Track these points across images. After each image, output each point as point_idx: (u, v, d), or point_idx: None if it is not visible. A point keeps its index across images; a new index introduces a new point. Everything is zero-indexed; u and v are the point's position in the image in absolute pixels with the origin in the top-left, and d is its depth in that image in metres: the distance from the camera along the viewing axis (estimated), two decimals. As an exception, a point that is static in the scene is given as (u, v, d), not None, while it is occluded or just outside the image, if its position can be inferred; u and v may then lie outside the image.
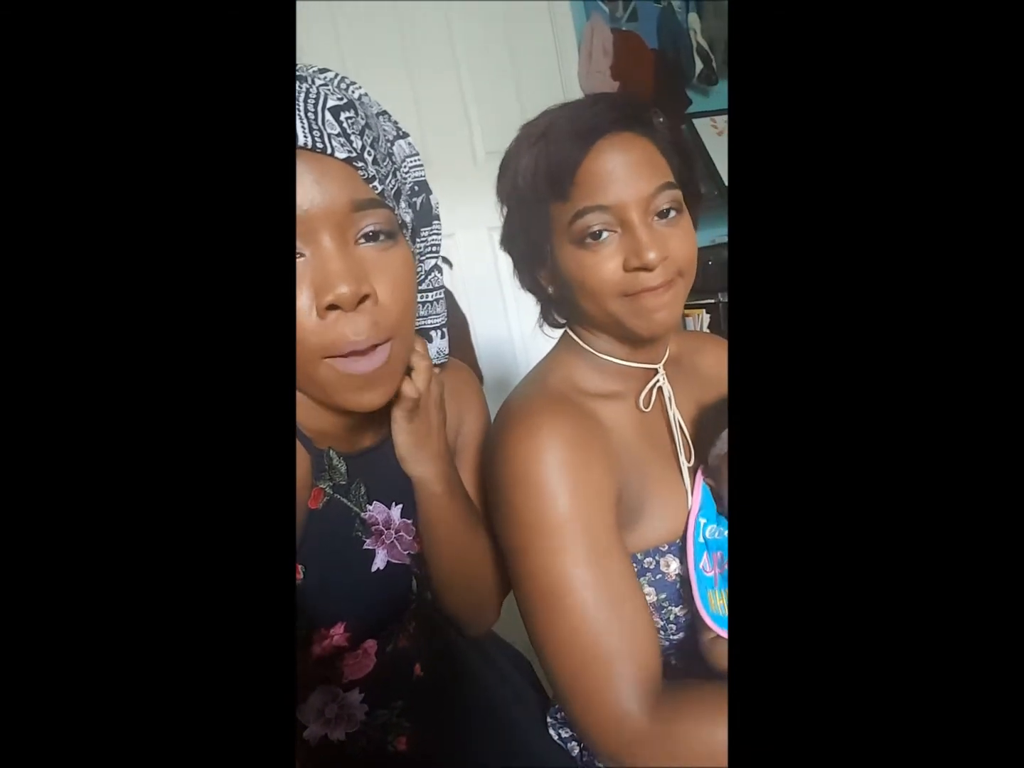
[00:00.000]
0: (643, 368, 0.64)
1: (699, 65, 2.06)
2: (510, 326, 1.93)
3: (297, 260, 0.44)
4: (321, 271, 0.44)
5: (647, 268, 0.55)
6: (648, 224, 0.55)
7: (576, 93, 1.94)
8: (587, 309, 0.60)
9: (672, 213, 0.57)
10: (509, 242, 0.65)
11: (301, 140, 0.43)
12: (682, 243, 0.57)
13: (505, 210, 0.63)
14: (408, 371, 0.55)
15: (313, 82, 0.46)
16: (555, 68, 1.93)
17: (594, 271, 0.56)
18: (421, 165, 0.57)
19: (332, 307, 0.44)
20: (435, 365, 0.61)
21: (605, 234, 0.56)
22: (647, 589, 0.60)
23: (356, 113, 0.47)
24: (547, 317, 0.70)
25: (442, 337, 0.62)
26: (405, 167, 0.55)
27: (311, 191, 0.44)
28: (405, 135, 0.56)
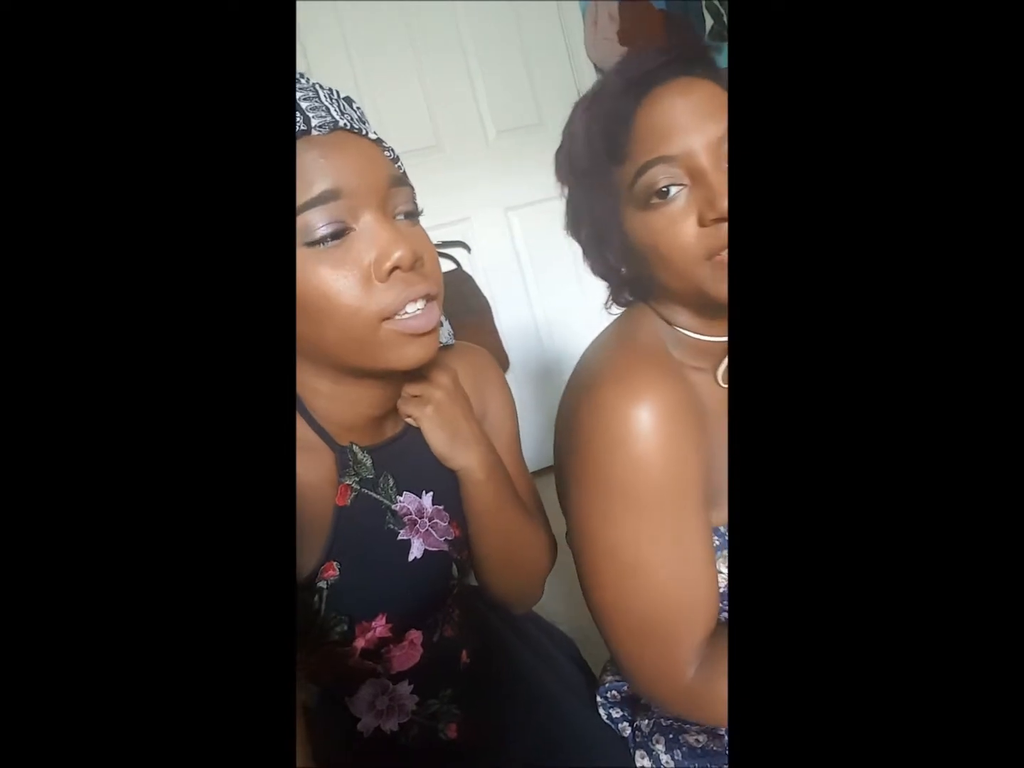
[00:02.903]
0: (722, 342, 0.58)
1: (709, 22, 1.99)
2: (532, 307, 1.92)
3: (346, 235, 0.46)
4: (377, 240, 0.46)
5: (725, 218, 0.47)
6: (722, 170, 0.48)
7: (585, 63, 1.90)
8: (666, 281, 0.54)
9: None
10: (575, 224, 0.60)
11: (341, 122, 0.47)
12: None
13: (566, 190, 0.58)
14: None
15: (309, 80, 0.49)
16: (561, 39, 1.89)
17: (667, 234, 0.50)
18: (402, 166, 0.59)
19: (393, 269, 0.46)
20: (445, 347, 0.63)
21: (673, 189, 0.49)
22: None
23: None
24: (617, 298, 0.64)
25: (447, 318, 0.64)
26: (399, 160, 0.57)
27: (357, 167, 0.46)
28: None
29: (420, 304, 0.48)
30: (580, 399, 0.54)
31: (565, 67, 1.89)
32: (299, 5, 1.58)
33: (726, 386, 0.58)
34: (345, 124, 0.47)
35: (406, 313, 0.47)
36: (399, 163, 0.52)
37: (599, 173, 0.53)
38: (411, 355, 0.49)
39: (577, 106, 0.56)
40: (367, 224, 0.46)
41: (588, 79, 1.90)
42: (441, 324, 0.63)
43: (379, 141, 0.50)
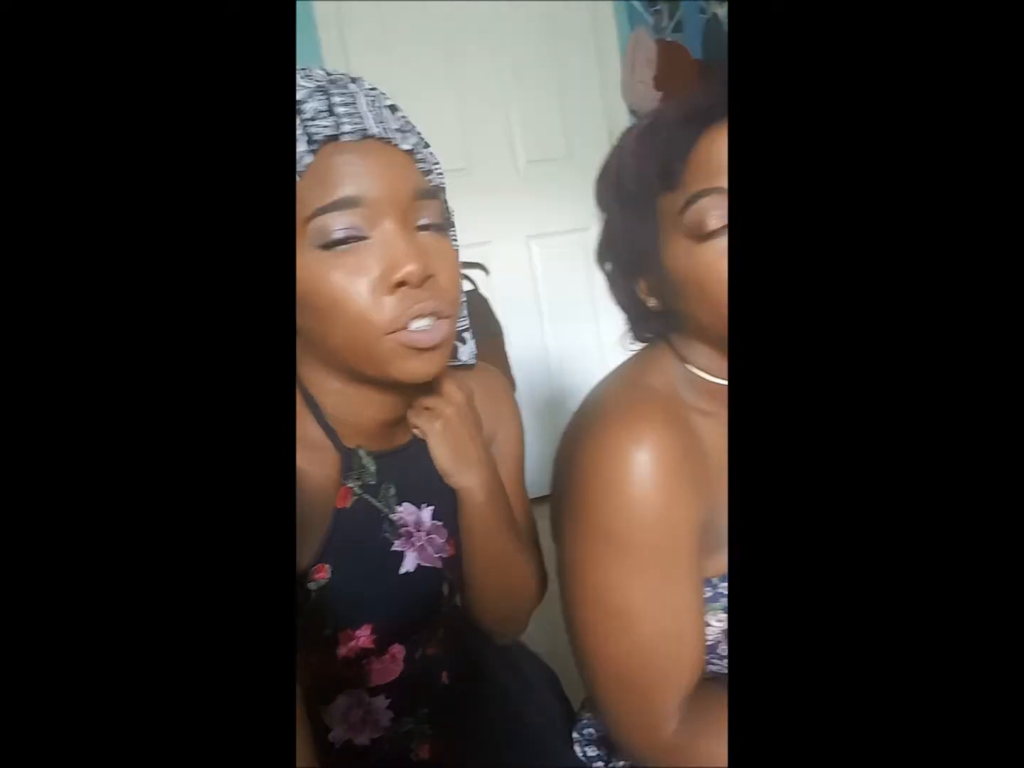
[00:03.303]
0: None
1: (744, 76, 2.03)
2: (545, 336, 1.92)
3: (361, 243, 0.46)
4: (390, 252, 0.46)
5: None
6: None
7: (618, 102, 1.94)
8: (699, 315, 0.53)
9: None
10: (607, 251, 0.59)
11: (373, 130, 0.47)
12: None
13: (605, 216, 0.58)
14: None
15: (361, 86, 0.50)
16: (597, 77, 1.93)
17: (713, 268, 0.49)
18: (443, 173, 0.59)
19: (400, 284, 0.46)
20: (464, 366, 0.63)
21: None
22: (719, 616, 0.57)
23: (404, 116, 0.51)
24: (637, 333, 0.63)
25: (473, 337, 0.63)
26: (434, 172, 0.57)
27: (383, 176, 0.47)
28: (428, 145, 0.58)
29: (426, 321, 0.48)
30: (582, 436, 0.54)
31: (598, 105, 1.93)
32: (351, 16, 1.62)
33: None
34: (377, 133, 0.47)
35: (412, 328, 0.47)
36: (433, 175, 0.52)
37: (646, 199, 0.53)
38: (415, 369, 0.49)
39: (629, 131, 0.56)
40: (384, 234, 0.47)
41: (620, 119, 1.94)
42: (464, 342, 0.63)
43: (413, 152, 0.50)
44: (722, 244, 0.49)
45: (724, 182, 0.48)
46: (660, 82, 1.87)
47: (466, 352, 0.63)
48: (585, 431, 0.54)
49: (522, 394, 1.89)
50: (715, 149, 0.49)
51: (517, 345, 1.86)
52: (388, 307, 0.46)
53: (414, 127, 0.52)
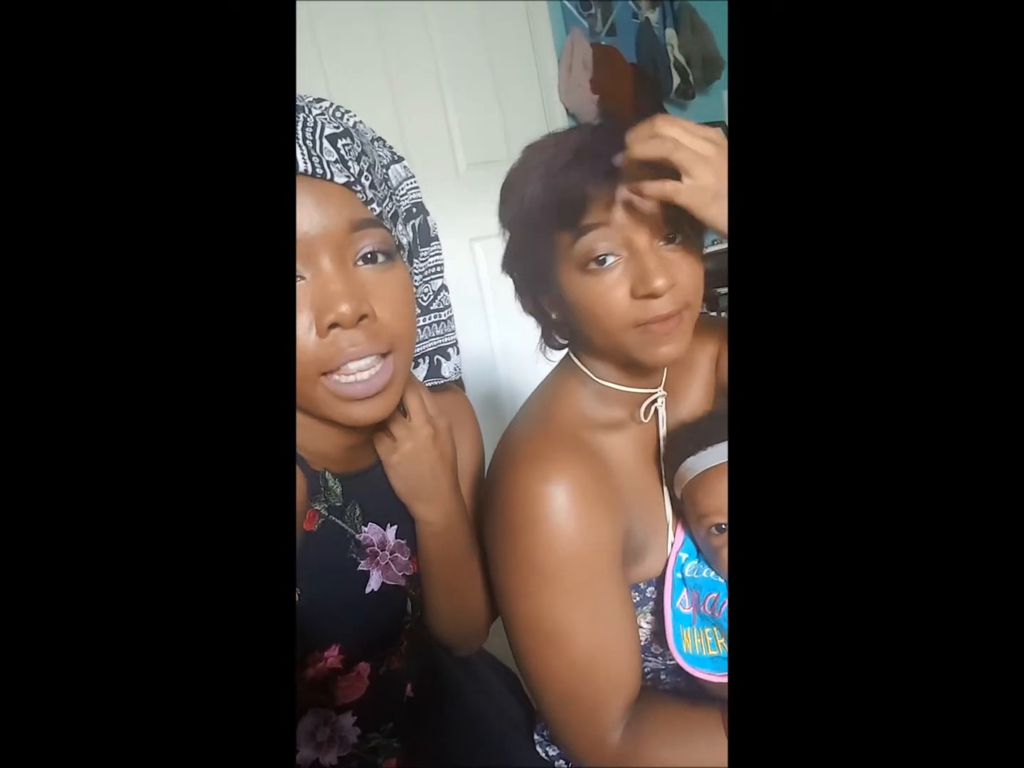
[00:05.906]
0: (643, 393, 0.62)
1: (676, 79, 2.09)
2: (491, 339, 1.94)
3: (297, 283, 0.45)
4: (322, 292, 0.45)
5: (655, 295, 0.52)
6: (655, 248, 0.53)
7: (556, 105, 1.96)
8: (593, 337, 0.57)
9: (679, 238, 0.53)
10: (512, 266, 0.62)
11: (301, 167, 0.45)
12: (689, 271, 0.54)
13: (508, 235, 0.61)
14: (403, 413, 0.56)
15: (310, 111, 0.48)
16: (536, 80, 1.94)
17: (601, 300, 0.53)
18: (418, 187, 0.58)
19: (333, 326, 0.45)
20: (445, 384, 0.63)
21: (610, 259, 0.52)
22: (649, 618, 0.60)
23: (352, 140, 0.49)
24: (549, 340, 0.66)
25: (457, 353, 0.64)
26: (401, 190, 0.56)
27: (312, 214, 0.45)
28: (400, 159, 0.57)
29: (365, 366, 0.47)
30: (500, 474, 0.58)
31: (538, 107, 1.95)
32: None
33: (646, 420, 0.62)
34: (305, 170, 0.45)
35: (348, 372, 0.47)
36: (375, 205, 0.49)
37: (545, 231, 0.55)
38: (357, 416, 0.48)
39: (529, 164, 0.56)
40: (318, 273, 0.45)
41: (559, 120, 1.96)
42: (448, 357, 0.62)
43: (350, 184, 0.47)
44: (608, 278, 0.53)
45: (611, 219, 0.51)
46: (596, 85, 1.90)
47: (449, 368, 0.62)
48: (502, 470, 0.58)
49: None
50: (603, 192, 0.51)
51: (465, 345, 1.86)
52: (320, 349, 0.45)
53: (361, 153, 0.49)
